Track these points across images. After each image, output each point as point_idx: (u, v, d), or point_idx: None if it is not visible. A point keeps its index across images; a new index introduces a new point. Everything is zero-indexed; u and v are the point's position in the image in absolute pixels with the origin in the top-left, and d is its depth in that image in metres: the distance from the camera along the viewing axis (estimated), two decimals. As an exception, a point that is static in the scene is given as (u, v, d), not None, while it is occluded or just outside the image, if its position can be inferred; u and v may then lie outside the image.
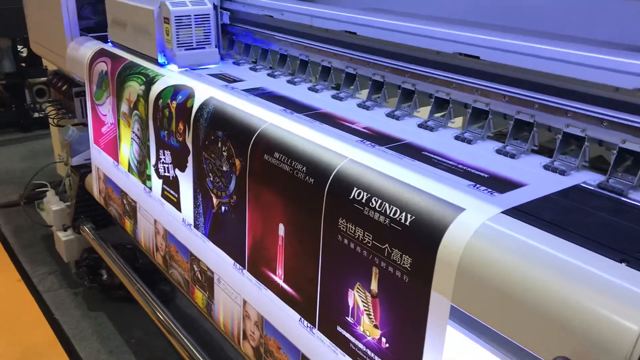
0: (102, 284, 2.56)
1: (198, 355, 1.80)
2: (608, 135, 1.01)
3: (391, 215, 0.99)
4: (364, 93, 1.51)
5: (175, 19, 1.76)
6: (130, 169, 1.99)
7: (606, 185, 0.99)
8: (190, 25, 1.79)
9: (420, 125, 1.31)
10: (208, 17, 1.82)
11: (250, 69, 1.85)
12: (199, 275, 1.68)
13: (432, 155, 1.14)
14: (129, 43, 2.03)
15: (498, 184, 1.01)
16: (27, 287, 2.71)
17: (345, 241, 1.09)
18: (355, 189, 1.07)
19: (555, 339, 0.75)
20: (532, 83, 1.12)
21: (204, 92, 1.57)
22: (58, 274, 2.82)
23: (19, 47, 4.66)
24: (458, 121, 1.31)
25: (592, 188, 1.00)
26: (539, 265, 0.80)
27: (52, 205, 2.68)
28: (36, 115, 4.83)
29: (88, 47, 2.21)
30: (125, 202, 2.08)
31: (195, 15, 1.79)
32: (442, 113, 1.31)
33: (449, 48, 1.26)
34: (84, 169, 2.51)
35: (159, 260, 1.91)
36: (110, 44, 2.18)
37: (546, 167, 1.07)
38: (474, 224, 0.89)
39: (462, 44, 1.23)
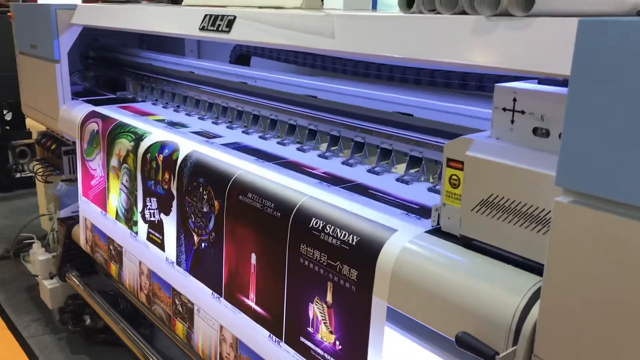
0: (85, 328, 2.72)
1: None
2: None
3: (341, 237, 1.24)
4: (324, 146, 1.79)
5: None
6: (117, 216, 2.21)
7: (509, 213, 1.26)
8: None
9: (369, 171, 1.58)
10: None
11: (227, 127, 2.13)
12: (180, 308, 1.88)
13: (376, 193, 1.41)
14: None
15: (425, 212, 1.27)
16: (11, 333, 2.85)
17: (306, 262, 1.33)
18: (313, 218, 1.32)
19: (458, 320, 0.99)
20: (456, 135, 1.41)
21: (188, 146, 1.83)
22: (42, 321, 2.96)
23: (4, 112, 4.89)
24: (401, 167, 1.58)
25: (498, 215, 1.26)
26: (449, 266, 1.05)
27: (39, 256, 2.86)
28: (18, 175, 5.02)
29: (79, 110, 2.47)
30: (111, 247, 2.29)
31: None
32: (387, 161, 1.59)
33: (388, 108, 1.55)
34: (71, 221, 2.71)
35: (143, 299, 2.11)
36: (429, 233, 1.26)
37: (465, 200, 1.34)
38: (403, 241, 1.14)
39: (399, 105, 1.52)
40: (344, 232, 1.24)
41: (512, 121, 1.00)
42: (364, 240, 1.20)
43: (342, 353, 1.27)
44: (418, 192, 1.42)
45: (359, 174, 1.57)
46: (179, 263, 1.84)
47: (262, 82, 2.04)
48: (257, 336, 1.53)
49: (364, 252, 1.19)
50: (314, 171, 1.59)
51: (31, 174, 4.89)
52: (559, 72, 0.85)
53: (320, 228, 1.29)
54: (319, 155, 1.74)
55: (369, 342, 1.19)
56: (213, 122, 2.21)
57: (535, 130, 0.97)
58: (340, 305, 1.26)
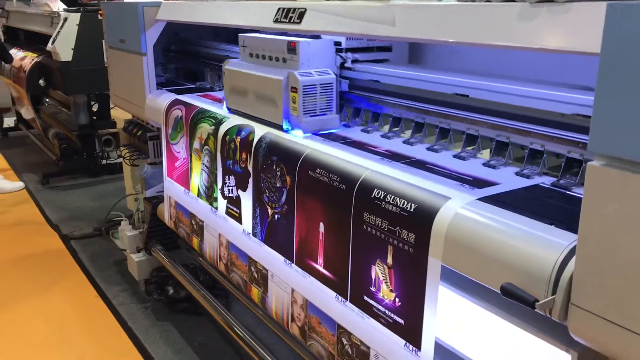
0: (168, 298, 2.98)
1: (257, 347, 2.19)
2: (558, 148, 1.39)
3: (401, 205, 1.39)
4: (386, 128, 1.93)
5: (303, 88, 1.90)
6: (199, 194, 2.43)
7: (558, 184, 1.37)
8: (316, 93, 1.93)
9: (428, 149, 1.71)
10: (332, 86, 1.97)
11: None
12: (255, 275, 2.08)
13: (433, 167, 1.54)
14: (249, 110, 2.15)
15: (478, 183, 1.40)
16: (103, 302, 3.16)
17: (369, 229, 1.48)
18: (375, 189, 1.47)
19: (503, 273, 1.12)
20: (507, 114, 1.52)
21: (262, 129, 2.02)
22: (129, 291, 3.26)
23: (92, 103, 5.29)
24: (458, 145, 1.70)
25: (547, 186, 1.37)
26: (498, 228, 1.18)
27: (127, 232, 3.15)
28: (104, 162, 5.42)
29: (164, 98, 2.71)
30: (193, 222, 2.52)
31: (320, 84, 1.94)
32: (445, 140, 1.71)
33: (446, 90, 1.67)
34: (156, 200, 2.98)
35: (222, 268, 2.32)
36: (227, 110, 2.30)
37: (517, 174, 1.45)
38: (456, 207, 1.28)
39: (456, 87, 1.64)
40: (403, 201, 1.39)
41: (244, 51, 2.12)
42: (420, 207, 1.34)
43: (401, 309, 1.41)
44: (473, 167, 1.54)
45: (418, 151, 1.71)
46: (254, 234, 2.04)
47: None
48: (325, 297, 1.70)
49: (421, 218, 1.33)
50: (376, 149, 1.74)
51: (115, 161, 5.32)
52: (593, 50, 0.96)
53: (381, 198, 1.44)
54: (382, 136, 1.88)
55: (425, 298, 1.33)
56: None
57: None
58: (400, 266, 1.40)
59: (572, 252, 1.04)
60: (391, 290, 1.44)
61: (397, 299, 1.43)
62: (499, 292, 1.11)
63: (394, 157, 1.65)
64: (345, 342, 1.64)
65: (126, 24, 2.93)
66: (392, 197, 1.41)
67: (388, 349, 1.47)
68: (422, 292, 1.34)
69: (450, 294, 1.33)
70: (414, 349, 1.38)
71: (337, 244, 1.62)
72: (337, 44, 2.01)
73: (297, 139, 1.86)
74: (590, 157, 0.99)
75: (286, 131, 1.95)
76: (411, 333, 1.39)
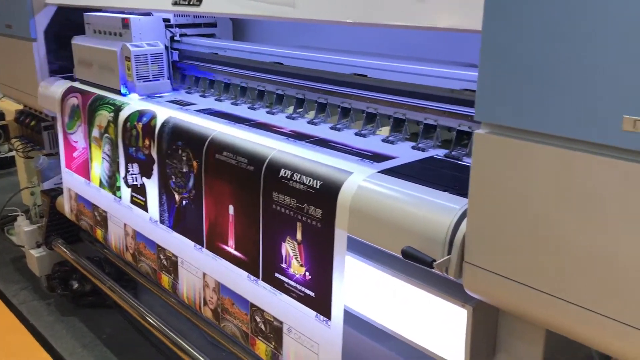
0: (73, 292, 2.88)
1: (170, 333, 2.17)
2: (450, 122, 1.49)
3: (307, 183, 1.43)
4: (291, 109, 1.97)
5: (135, 57, 2.26)
6: (101, 184, 2.36)
7: (450, 155, 1.47)
8: (147, 62, 2.30)
9: (331, 128, 1.77)
10: (161, 56, 2.33)
11: (200, 95, 2.29)
12: (165, 262, 2.06)
13: (336, 145, 1.60)
14: (94, 79, 2.48)
15: (378, 158, 1.47)
16: (2, 301, 3.00)
17: (278, 207, 1.52)
18: (282, 169, 1.51)
19: (404, 239, 1.20)
20: (403, 91, 1.60)
21: (165, 113, 1.99)
22: (30, 289, 3.11)
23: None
24: (359, 124, 1.78)
25: (441, 157, 1.47)
26: (396, 197, 1.25)
27: (24, 227, 3.00)
28: (-8, 157, 5.09)
29: (59, 86, 2.60)
30: (96, 214, 2.44)
31: (151, 54, 2.30)
32: (347, 119, 1.78)
33: (346, 70, 1.74)
34: (54, 193, 2.85)
35: (129, 258, 2.28)
36: (77, 81, 2.59)
37: (413, 147, 1.54)
38: (358, 180, 1.34)
39: (355, 67, 1.71)
40: (309, 179, 1.43)
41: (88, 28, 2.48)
42: (326, 183, 1.40)
43: (311, 282, 1.47)
44: (373, 143, 1.61)
45: (322, 131, 1.76)
46: (162, 221, 2.02)
47: (231, 52, 2.20)
48: (236, 278, 1.72)
49: (327, 193, 1.38)
50: (281, 130, 1.77)
51: (7, 155, 5.00)
52: (476, 27, 1.05)
53: (288, 177, 1.48)
54: (287, 117, 1.92)
55: (333, 269, 1.40)
56: (186, 92, 2.37)
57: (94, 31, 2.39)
58: (309, 241, 1.45)
59: (464, 215, 1.13)
60: (301, 265, 1.49)
61: (307, 273, 1.48)
62: (400, 256, 1.19)
63: (298, 136, 1.69)
64: (258, 319, 1.68)
65: (12, 8, 2.77)
66: (299, 175, 1.46)
67: (300, 321, 1.52)
68: (330, 263, 1.40)
69: (357, 263, 1.40)
70: (325, 319, 1.44)
71: (248, 224, 1.64)
72: (166, 20, 2.40)
73: (202, 122, 1.86)
74: (477, 127, 1.07)
75: (124, 95, 2.29)
76: (321, 304, 1.45)
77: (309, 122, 1.85)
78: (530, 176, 0.99)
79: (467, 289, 1.14)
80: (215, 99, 2.22)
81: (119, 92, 2.31)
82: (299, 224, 1.47)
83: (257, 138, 1.67)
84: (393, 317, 1.38)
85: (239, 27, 2.60)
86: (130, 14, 2.41)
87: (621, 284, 0.90)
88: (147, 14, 2.39)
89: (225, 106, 2.11)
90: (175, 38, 2.44)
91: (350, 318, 1.46)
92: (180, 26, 2.44)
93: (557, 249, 0.97)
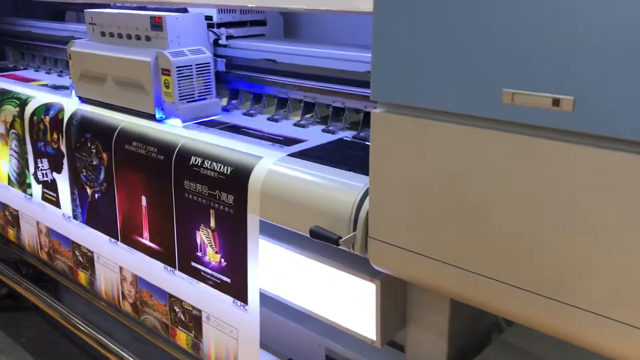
0: (-12, 298, 2.75)
1: (92, 331, 2.12)
2: (357, 104, 1.52)
3: (218, 170, 1.43)
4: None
5: (177, 70, 1.65)
6: (10, 182, 2.26)
7: (358, 137, 1.50)
8: (192, 75, 1.69)
9: (244, 114, 1.77)
10: (209, 66, 1.73)
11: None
12: (80, 259, 2.00)
13: (248, 130, 1.60)
14: (110, 98, 1.83)
15: (288, 142, 1.49)
16: None
17: (190, 196, 1.51)
18: (193, 157, 1.50)
19: (313, 219, 1.22)
20: (311, 75, 1.62)
21: (72, 105, 1.93)
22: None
23: None
24: (271, 109, 1.78)
25: (349, 139, 1.50)
26: (305, 179, 1.27)
27: None
28: None
29: (-42, 81, 2.46)
30: (7, 213, 2.34)
31: (196, 64, 1.70)
32: (259, 104, 1.78)
33: (256, 56, 1.74)
34: (-40, 195, 2.70)
35: (44, 257, 2.20)
36: (78, 100, 1.96)
37: (323, 130, 1.57)
38: (268, 164, 1.35)
39: (264, 52, 1.72)
40: (219, 165, 1.43)
41: (93, 30, 1.88)
42: (236, 169, 1.40)
43: (227, 268, 1.47)
44: (284, 128, 1.63)
45: (235, 117, 1.76)
46: (75, 217, 1.96)
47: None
48: (153, 270, 1.70)
49: (237, 179, 1.39)
50: (194, 118, 1.76)
51: None
52: (368, 9, 1.07)
53: (199, 164, 1.47)
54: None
55: (248, 254, 1.40)
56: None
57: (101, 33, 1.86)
58: (223, 228, 1.45)
59: (367, 193, 1.17)
60: (216, 252, 1.49)
61: (222, 260, 1.48)
62: (309, 236, 1.21)
63: (210, 124, 1.68)
64: (177, 309, 1.66)
65: None
66: (210, 162, 1.45)
67: (218, 308, 1.52)
68: (244, 249, 1.41)
69: (270, 246, 1.42)
70: (242, 304, 1.45)
71: (161, 215, 1.62)
72: (208, 18, 1.80)
73: (110, 113, 1.81)
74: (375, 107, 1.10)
75: (160, 120, 1.69)
76: (238, 290, 1.45)
77: (223, 109, 1.84)
78: (424, 152, 1.03)
79: (372, 263, 1.18)
80: None
81: (150, 117, 1.70)
82: (212, 211, 1.47)
83: (166, 126, 1.65)
84: (307, 296, 1.41)
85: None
86: (142, 8, 1.88)
87: (515, 251, 0.95)
88: (180, 9, 1.78)
89: None
90: (221, 41, 1.83)
91: (267, 300, 1.48)
92: (223, 25, 1.84)
93: (454, 220, 1.02)
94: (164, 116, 1.71)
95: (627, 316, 0.86)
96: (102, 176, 1.79)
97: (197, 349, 1.63)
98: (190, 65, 1.68)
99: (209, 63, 1.72)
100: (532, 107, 0.88)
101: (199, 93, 1.72)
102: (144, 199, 1.67)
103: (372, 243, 1.15)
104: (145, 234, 1.70)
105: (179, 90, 1.66)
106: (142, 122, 1.70)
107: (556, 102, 0.86)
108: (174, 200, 1.56)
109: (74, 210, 1.96)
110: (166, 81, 1.66)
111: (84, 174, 1.86)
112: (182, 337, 1.67)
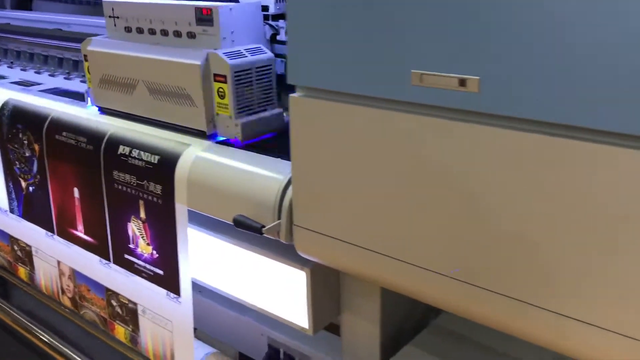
0: None
1: (34, 328, 2.06)
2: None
3: (145, 159, 1.39)
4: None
5: (235, 76, 1.31)
6: (-55, 176, 2.18)
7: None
8: (252, 82, 1.34)
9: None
10: (270, 70, 1.39)
11: (49, 75, 2.16)
12: (19, 253, 1.94)
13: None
14: (140, 110, 1.49)
15: (219, 129, 1.44)
16: None
17: (120, 187, 1.46)
18: (121, 146, 1.45)
19: (238, 207, 1.19)
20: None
21: (3, 95, 1.86)
22: None
23: None
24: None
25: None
26: (230, 165, 1.24)
27: None
28: None
29: None
30: (-56, 208, 2.26)
31: (256, 68, 1.35)
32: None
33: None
34: None
35: (-17, 253, 2.13)
36: (97, 110, 1.62)
37: (258, 116, 1.53)
38: (195, 152, 1.31)
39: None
40: (147, 154, 1.39)
41: (115, 24, 1.53)
42: (163, 157, 1.35)
43: (159, 260, 1.43)
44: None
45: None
46: (11, 210, 1.90)
47: (76, 27, 2.08)
48: (89, 263, 1.65)
49: (165, 168, 1.34)
50: (127, 106, 1.70)
51: None
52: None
53: (127, 154, 1.43)
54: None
55: (178, 245, 1.37)
56: (35, 72, 2.22)
57: (125, 28, 1.48)
58: (152, 219, 1.41)
59: (290, 180, 1.13)
60: (148, 244, 1.45)
61: (154, 252, 1.44)
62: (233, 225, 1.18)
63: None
64: (114, 303, 1.62)
65: None
66: (137, 151, 1.41)
67: (153, 301, 1.49)
68: (174, 239, 1.37)
69: (202, 236, 1.38)
70: (175, 296, 1.42)
71: (93, 207, 1.57)
72: (264, 9, 1.46)
73: (41, 102, 1.75)
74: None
75: (214, 139, 1.36)
76: (170, 281, 1.42)
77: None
78: (342, 137, 1.00)
79: (299, 251, 1.15)
80: (65, 78, 2.09)
81: (201, 134, 1.37)
82: (141, 202, 1.42)
83: (96, 115, 1.59)
84: (241, 286, 1.38)
85: None
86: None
87: (434, 237, 0.93)
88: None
89: (75, 84, 2.00)
90: (279, 37, 1.47)
91: (214, 292, 1.45)
92: (282, 17, 1.48)
93: (373, 206, 0.99)
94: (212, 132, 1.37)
95: (553, 304, 0.84)
96: (35, 168, 1.73)
97: (135, 343, 1.60)
98: (250, 69, 1.33)
99: (270, 66, 1.38)
100: (440, 88, 0.85)
101: (258, 103, 1.37)
102: (76, 190, 1.61)
103: (297, 231, 1.13)
104: (80, 226, 1.64)
105: (237, 100, 1.32)
106: (72, 110, 1.64)
107: (462, 82, 0.83)
108: (104, 192, 1.51)
109: (10, 204, 1.89)
110: (221, 89, 1.32)
111: (18, 166, 1.80)
112: (121, 331, 1.64)
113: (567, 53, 0.73)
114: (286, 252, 1.27)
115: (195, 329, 1.45)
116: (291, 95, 1.05)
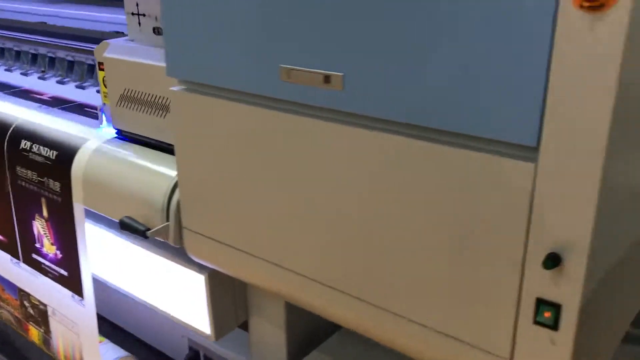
0: None
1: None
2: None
3: (45, 154, 1.31)
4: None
5: None
6: None
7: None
8: None
9: (98, 91, 1.64)
10: None
11: None
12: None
13: (92, 110, 1.48)
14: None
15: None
16: None
17: (23, 183, 1.38)
18: (22, 140, 1.37)
19: (128, 207, 1.12)
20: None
21: None
22: None
23: None
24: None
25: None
26: (125, 162, 1.17)
27: None
28: None
29: None
30: None
31: None
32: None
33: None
34: None
35: None
36: (115, 133, 1.28)
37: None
38: (91, 148, 1.23)
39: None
40: (46, 149, 1.31)
41: (139, 23, 1.11)
42: (61, 153, 1.28)
43: (63, 260, 1.36)
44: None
45: (89, 95, 1.63)
46: None
47: (11, 13, 1.99)
48: (2, 262, 1.58)
49: (62, 164, 1.27)
50: (41, 97, 1.62)
51: None
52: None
53: (28, 148, 1.35)
54: (57, 82, 1.76)
55: (78, 244, 1.29)
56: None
57: (154, 30, 1.09)
58: (54, 218, 1.34)
59: (179, 179, 1.07)
60: (52, 244, 1.38)
61: (58, 252, 1.37)
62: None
63: (55, 102, 1.55)
64: (27, 304, 1.55)
65: None
66: (37, 146, 1.33)
67: (60, 302, 1.42)
68: (74, 239, 1.30)
69: (104, 234, 1.31)
70: (79, 298, 1.35)
71: (1, 204, 1.49)
72: None
73: (-47, 93, 1.66)
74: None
75: None
76: (74, 283, 1.35)
77: (77, 86, 1.70)
78: (221, 134, 0.93)
79: (190, 255, 1.09)
80: (6, 69, 1.99)
81: None
82: (43, 200, 1.35)
83: (6, 107, 1.51)
84: (144, 287, 1.31)
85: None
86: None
87: (306, 240, 0.87)
88: None
89: (14, 77, 1.90)
90: None
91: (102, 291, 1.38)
92: None
93: (254, 209, 0.93)
94: None
95: (414, 314, 0.79)
96: (-54, 162, 1.65)
97: (47, 345, 1.53)
98: None
99: None
100: (307, 85, 0.79)
101: None
102: (-16, 186, 1.53)
103: (186, 234, 1.06)
104: (-10, 223, 1.57)
105: None
106: (-19, 102, 1.56)
107: (327, 79, 0.76)
108: (9, 187, 1.44)
109: None
110: None
111: None
112: (35, 333, 1.57)
113: (422, 55, 0.67)
114: (183, 253, 1.21)
115: (120, 328, 1.38)
116: (171, 89, 0.98)
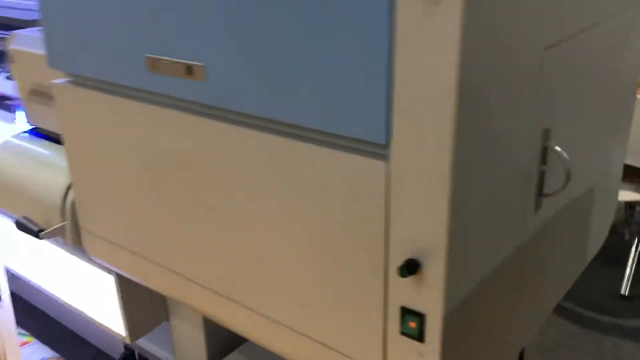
0: None
1: None
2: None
3: (-44, 150, 1.25)
4: None
5: None
6: None
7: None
8: None
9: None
10: None
11: None
12: None
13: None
14: None
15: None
16: None
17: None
18: None
19: (28, 206, 1.06)
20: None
21: None
22: None
23: None
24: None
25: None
26: (27, 159, 1.11)
27: None
28: None
29: None
30: None
31: None
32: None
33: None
34: None
35: None
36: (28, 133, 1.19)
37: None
38: (-2, 143, 1.18)
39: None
40: (-43, 144, 1.25)
41: None
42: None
43: (-20, 260, 1.31)
44: None
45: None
46: None
47: None
48: None
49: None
50: (-34, 88, 1.55)
51: None
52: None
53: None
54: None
55: (-8, 244, 1.24)
56: None
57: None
58: (-31, 215, 1.28)
59: (76, 177, 1.01)
60: (-31, 243, 1.32)
61: (-25, 251, 1.32)
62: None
63: (-22, 95, 1.49)
64: (-45, 304, 1.50)
65: None
66: (-52, 141, 1.27)
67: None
68: (-12, 239, 1.25)
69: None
70: (-3, 299, 1.30)
71: None
72: None
73: None
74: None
75: None
76: (-9, 283, 1.30)
77: (7, 78, 1.63)
78: (99, 128, 0.87)
79: (90, 256, 1.03)
80: None
81: None
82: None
83: None
84: (60, 285, 1.26)
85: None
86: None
87: (182, 239, 0.81)
88: None
89: None
90: None
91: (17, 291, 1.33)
92: None
93: (134, 208, 0.87)
94: None
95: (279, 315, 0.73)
96: None
97: (-24, 346, 1.49)
98: None
99: None
100: (171, 76, 0.72)
101: None
102: None
103: (84, 235, 1.00)
104: None
105: None
106: None
107: (189, 69, 0.70)
108: None
109: None
110: None
111: None
112: (-36, 333, 1.52)
113: (269, 47, 0.61)
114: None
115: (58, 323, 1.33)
116: (52, 82, 0.91)
